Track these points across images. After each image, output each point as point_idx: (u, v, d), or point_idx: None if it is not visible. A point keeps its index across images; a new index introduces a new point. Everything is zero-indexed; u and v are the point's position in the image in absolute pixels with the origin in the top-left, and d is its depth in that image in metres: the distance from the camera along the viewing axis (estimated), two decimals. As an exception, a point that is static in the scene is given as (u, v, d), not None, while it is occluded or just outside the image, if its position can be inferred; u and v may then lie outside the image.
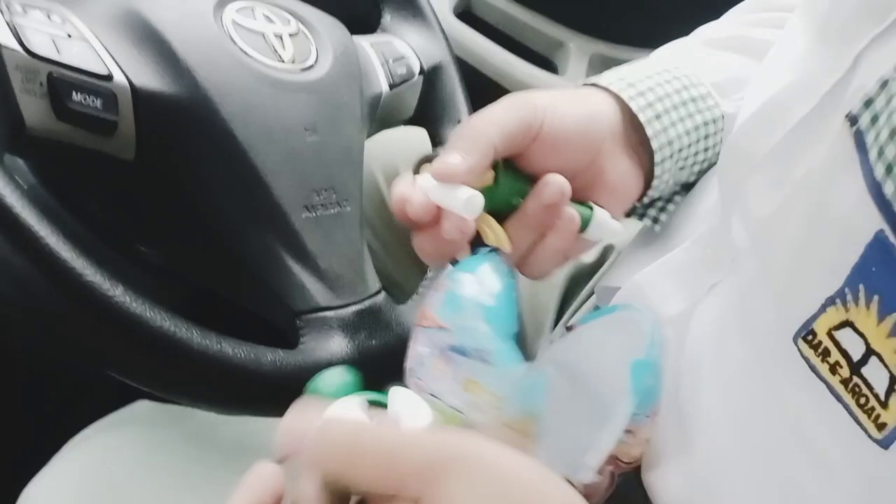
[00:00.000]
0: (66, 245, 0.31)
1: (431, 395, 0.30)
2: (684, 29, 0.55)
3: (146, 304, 0.33)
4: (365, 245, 0.45)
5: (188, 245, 0.42)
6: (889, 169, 0.25)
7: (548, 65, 0.87)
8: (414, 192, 0.34)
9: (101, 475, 0.46)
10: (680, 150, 0.39)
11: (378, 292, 0.44)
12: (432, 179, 0.33)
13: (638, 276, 0.38)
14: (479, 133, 0.34)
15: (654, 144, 0.38)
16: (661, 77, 0.40)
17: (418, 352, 0.31)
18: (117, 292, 0.32)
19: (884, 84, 0.26)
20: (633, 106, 0.38)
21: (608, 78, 0.40)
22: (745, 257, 0.34)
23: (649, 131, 0.38)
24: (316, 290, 0.41)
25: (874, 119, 0.26)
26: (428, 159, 0.35)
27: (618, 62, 0.89)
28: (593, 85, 0.40)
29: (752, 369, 0.32)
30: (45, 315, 0.32)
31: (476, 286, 0.32)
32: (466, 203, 0.32)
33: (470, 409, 0.29)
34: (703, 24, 0.49)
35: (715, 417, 0.33)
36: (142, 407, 0.50)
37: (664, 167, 0.39)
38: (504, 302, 0.32)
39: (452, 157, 0.33)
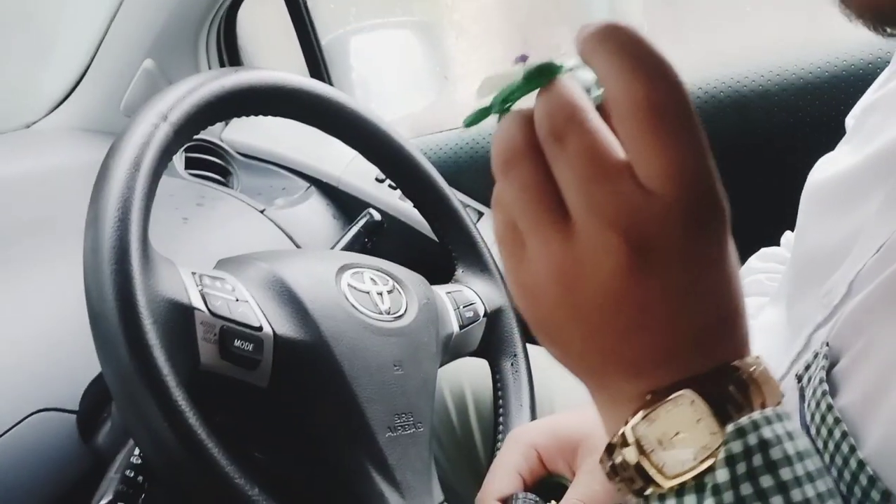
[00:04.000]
0: (224, 455, 0.43)
1: None
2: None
3: (269, 498, 0.44)
4: (433, 460, 0.56)
5: (296, 454, 0.53)
6: (811, 416, 0.35)
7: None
8: None
9: None
10: None
11: (440, 499, 0.53)
12: None
13: None
14: None
15: None
16: None
17: None
18: (254, 492, 0.43)
19: (815, 356, 0.37)
20: None
21: None
22: None
23: None
24: (392, 497, 0.50)
25: (809, 380, 0.37)
26: None
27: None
28: None
29: None
30: (194, 497, 0.43)
31: None
32: None
33: None
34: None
35: None
36: None
37: None
38: None
39: None
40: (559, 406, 0.69)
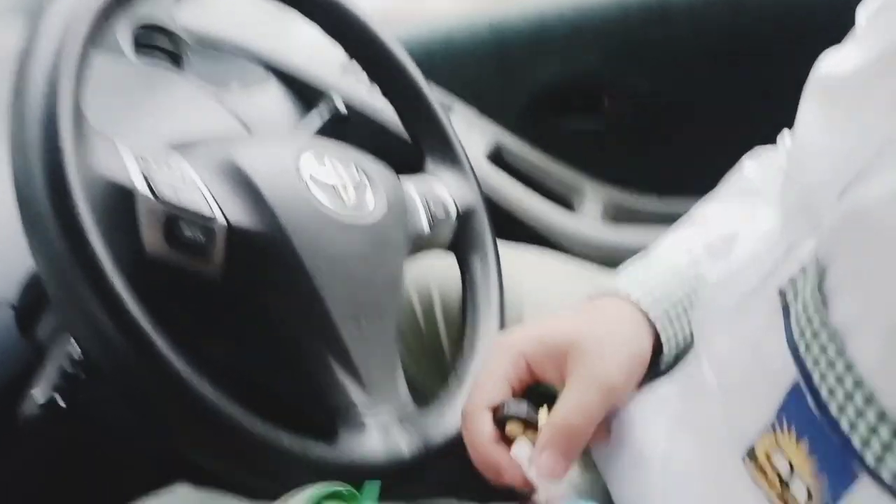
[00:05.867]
0: (170, 347, 0.39)
1: None
2: (686, 183, 0.64)
3: (222, 395, 0.41)
4: (398, 355, 0.53)
5: (253, 349, 0.50)
6: (801, 333, 0.33)
7: (566, 205, 0.97)
8: (509, 466, 0.41)
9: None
10: (682, 340, 0.47)
11: (407, 398, 0.51)
12: (525, 451, 0.41)
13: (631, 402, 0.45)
14: (578, 436, 0.40)
15: (665, 349, 0.45)
16: (674, 283, 0.47)
17: None
18: (203, 385, 0.40)
19: (803, 269, 0.35)
20: (659, 326, 0.45)
21: (633, 287, 0.46)
22: (707, 391, 0.41)
23: (663, 337, 0.45)
24: (355, 392, 0.48)
25: (795, 295, 0.34)
26: (511, 416, 0.42)
27: (628, 208, 0.99)
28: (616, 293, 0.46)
29: (700, 470, 0.39)
30: (143, 399, 0.40)
31: None
32: (555, 491, 0.40)
33: None
34: (706, 178, 0.57)
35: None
36: (181, 491, 0.53)
37: (665, 358, 0.46)
38: None
39: (556, 465, 0.40)
40: (528, 308, 0.67)
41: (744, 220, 0.51)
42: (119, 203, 0.43)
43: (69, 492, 0.65)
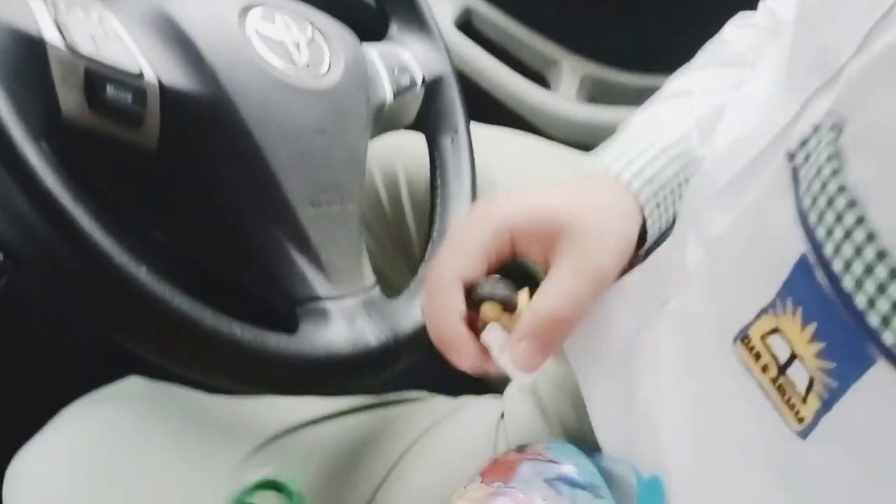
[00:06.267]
0: (97, 227, 0.34)
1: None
2: (669, 55, 0.58)
3: (165, 284, 0.36)
4: (363, 241, 0.49)
5: (200, 232, 0.45)
6: (813, 201, 0.29)
7: (541, 81, 0.91)
8: (472, 350, 0.37)
9: (90, 448, 0.48)
10: (663, 225, 0.43)
11: (373, 286, 0.47)
12: (498, 337, 0.37)
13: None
14: (564, 326, 0.37)
15: (649, 234, 0.42)
16: (665, 159, 0.42)
17: (521, 475, 0.35)
18: (141, 273, 0.35)
19: (816, 128, 0.30)
20: (647, 211, 0.41)
21: (621, 166, 0.42)
22: (689, 276, 0.38)
23: (649, 223, 0.41)
24: (316, 280, 0.44)
25: (806, 157, 0.30)
26: (487, 297, 0.37)
27: (607, 83, 0.93)
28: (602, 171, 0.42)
29: (688, 369, 0.36)
30: (73, 289, 0.35)
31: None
32: (526, 381, 0.36)
33: None
34: (691, 51, 0.53)
35: (658, 412, 0.37)
36: (133, 383, 0.52)
37: (649, 236, 0.42)
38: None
39: (535, 356, 0.36)
40: (499, 183, 0.62)
41: (730, 87, 0.46)
42: (26, 57, 0.36)
43: (15, 389, 0.60)
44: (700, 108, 0.45)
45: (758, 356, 0.32)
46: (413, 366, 0.49)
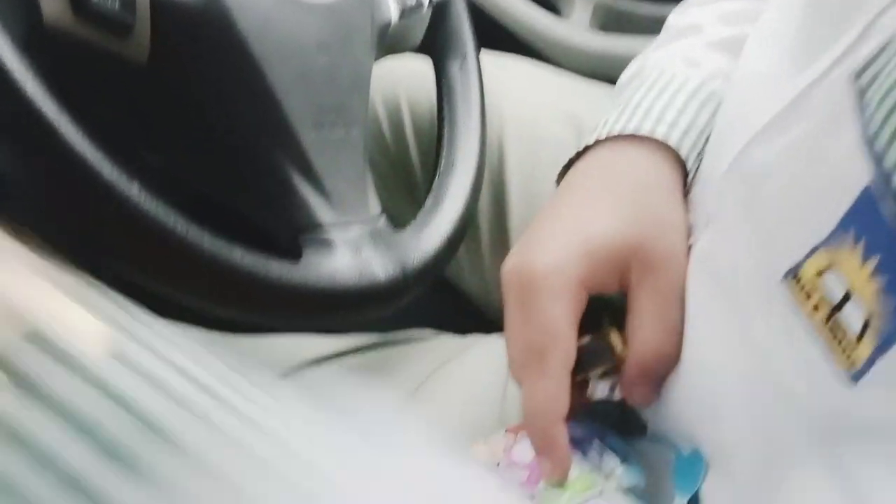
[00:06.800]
0: (87, 142, 0.31)
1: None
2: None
3: (159, 204, 0.34)
4: (368, 168, 0.46)
5: (195, 153, 0.42)
6: (883, 122, 0.27)
7: (552, 8, 0.87)
8: (565, 459, 0.35)
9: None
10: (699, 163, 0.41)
11: (380, 216, 0.45)
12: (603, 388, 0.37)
13: None
14: (669, 361, 0.35)
15: (689, 178, 0.40)
16: (694, 109, 0.40)
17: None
18: (133, 189, 0.32)
19: (884, 47, 0.28)
20: (689, 165, 0.39)
21: (653, 122, 0.39)
22: (715, 215, 0.35)
23: (690, 177, 0.39)
24: (319, 207, 0.42)
25: (875, 76, 0.28)
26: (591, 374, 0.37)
27: (621, 12, 0.89)
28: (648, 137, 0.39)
29: (721, 311, 0.34)
30: (60, 211, 0.33)
31: None
32: None
33: None
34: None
35: (687, 356, 0.35)
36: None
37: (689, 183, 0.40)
38: None
39: (650, 396, 0.36)
40: (508, 115, 0.59)
41: (748, 18, 0.43)
42: None
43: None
44: (716, 40, 0.43)
45: (808, 295, 0.30)
46: (421, 302, 0.47)
